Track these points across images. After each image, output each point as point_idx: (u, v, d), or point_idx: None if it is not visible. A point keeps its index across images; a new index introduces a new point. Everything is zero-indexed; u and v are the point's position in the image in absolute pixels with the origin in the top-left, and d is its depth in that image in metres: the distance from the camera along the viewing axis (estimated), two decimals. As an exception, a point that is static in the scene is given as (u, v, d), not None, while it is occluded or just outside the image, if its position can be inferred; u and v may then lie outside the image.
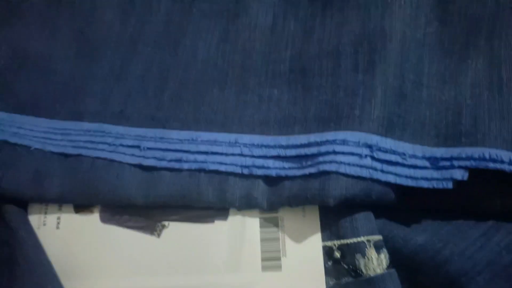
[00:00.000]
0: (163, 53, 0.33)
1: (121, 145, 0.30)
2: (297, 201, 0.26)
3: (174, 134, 0.30)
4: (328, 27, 0.30)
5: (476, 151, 0.24)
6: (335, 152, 0.25)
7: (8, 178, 0.30)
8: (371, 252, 0.25)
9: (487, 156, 0.24)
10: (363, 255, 0.25)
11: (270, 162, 0.28)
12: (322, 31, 0.30)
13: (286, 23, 0.32)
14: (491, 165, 0.24)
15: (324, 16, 0.30)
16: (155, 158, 0.29)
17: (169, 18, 0.35)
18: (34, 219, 0.31)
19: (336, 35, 0.29)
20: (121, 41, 0.35)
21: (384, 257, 0.25)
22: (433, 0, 0.28)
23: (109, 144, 0.30)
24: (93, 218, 0.30)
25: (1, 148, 0.32)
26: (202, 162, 0.29)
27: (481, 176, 0.24)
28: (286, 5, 0.32)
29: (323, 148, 0.26)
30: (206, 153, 0.29)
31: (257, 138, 0.28)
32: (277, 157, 0.28)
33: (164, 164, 0.29)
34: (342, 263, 0.26)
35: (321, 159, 0.26)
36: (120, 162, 0.30)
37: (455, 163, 0.24)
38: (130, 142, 0.30)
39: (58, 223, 0.30)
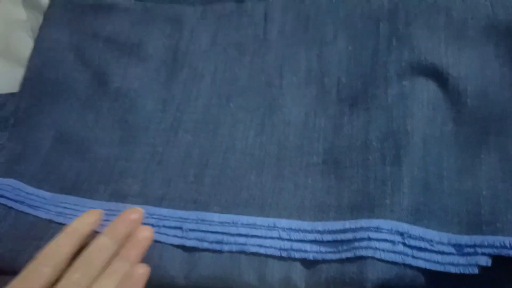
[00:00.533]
0: (203, 140, 0.37)
1: (164, 226, 0.33)
2: (335, 284, 0.29)
3: (215, 217, 0.32)
4: (355, 124, 0.34)
5: (497, 240, 0.27)
6: (369, 239, 0.28)
7: None
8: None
9: (507, 244, 0.26)
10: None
11: (307, 246, 0.30)
12: (350, 128, 0.34)
13: (317, 119, 0.35)
14: (512, 252, 0.26)
15: (351, 114, 0.34)
16: (196, 239, 0.32)
17: (207, 110, 0.38)
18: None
19: (363, 132, 0.33)
20: (162, 128, 0.38)
21: None
22: (447, 104, 0.32)
23: (152, 225, 0.33)
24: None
25: (48, 227, 0.34)
26: (243, 244, 0.31)
27: (504, 260, 0.27)
28: (316, 104, 0.36)
29: (358, 234, 0.29)
30: (246, 235, 0.31)
31: (294, 223, 0.31)
32: (314, 242, 0.30)
33: (205, 245, 0.31)
34: None
35: (356, 244, 0.28)
36: (163, 243, 0.32)
37: (479, 250, 0.27)
38: (173, 224, 0.33)
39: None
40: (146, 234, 0.31)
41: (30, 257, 0.32)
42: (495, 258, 0.27)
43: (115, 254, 0.29)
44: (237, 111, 0.38)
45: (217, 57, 0.41)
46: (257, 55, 0.40)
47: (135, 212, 0.32)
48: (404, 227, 0.28)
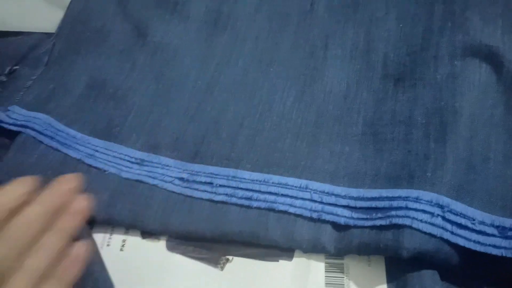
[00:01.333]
0: (239, 101, 0.36)
1: (194, 181, 0.32)
2: (367, 250, 0.28)
3: (246, 174, 0.32)
4: (400, 100, 0.33)
5: (543, 226, 0.26)
6: (407, 208, 0.27)
7: None
8: (437, 311, 0.26)
9: (554, 231, 0.25)
10: (429, 312, 0.26)
11: (339, 211, 0.29)
12: (394, 103, 0.33)
13: (358, 92, 0.35)
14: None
15: (396, 90, 0.34)
16: (226, 194, 0.31)
17: (246, 73, 0.38)
18: (99, 238, 0.32)
19: (408, 107, 0.32)
20: (199, 85, 0.38)
21: (449, 317, 0.26)
22: (500, 87, 0.31)
23: (184, 179, 0.32)
24: (159, 245, 0.31)
25: (77, 167, 0.34)
26: (272, 202, 0.30)
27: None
28: (359, 77, 0.36)
29: (395, 203, 0.28)
30: (276, 194, 0.30)
31: (327, 187, 0.30)
32: (347, 207, 0.29)
33: (234, 200, 0.31)
34: (406, 317, 0.27)
35: (393, 213, 0.27)
36: (192, 197, 0.31)
37: (523, 234, 0.26)
38: (203, 179, 0.32)
39: (123, 245, 0.31)
40: (82, 205, 0.27)
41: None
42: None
43: (48, 226, 0.25)
44: (277, 77, 0.37)
45: (260, 23, 0.41)
46: (302, 26, 0.40)
47: (70, 180, 0.27)
48: (445, 200, 0.27)
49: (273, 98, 0.36)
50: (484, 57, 0.32)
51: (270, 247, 0.30)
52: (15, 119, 0.35)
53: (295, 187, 0.30)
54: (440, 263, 0.27)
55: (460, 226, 0.27)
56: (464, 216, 0.27)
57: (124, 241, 0.31)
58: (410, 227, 0.26)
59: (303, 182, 0.31)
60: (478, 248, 0.26)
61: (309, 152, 0.33)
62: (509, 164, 0.29)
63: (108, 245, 0.31)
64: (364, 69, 0.36)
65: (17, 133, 0.35)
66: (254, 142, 0.34)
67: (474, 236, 0.26)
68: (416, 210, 0.27)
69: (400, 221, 0.27)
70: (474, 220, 0.27)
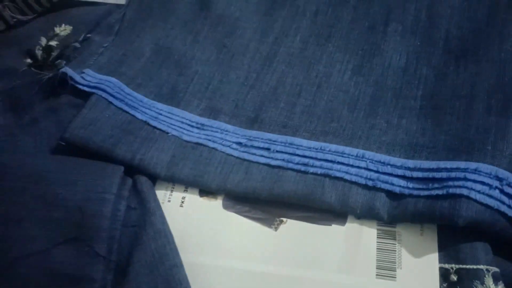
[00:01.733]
0: (297, 72, 0.37)
1: (252, 146, 0.33)
2: (422, 218, 0.28)
3: (304, 142, 0.33)
4: (461, 76, 0.33)
5: None
6: (466, 179, 0.27)
7: (148, 156, 0.34)
8: (490, 281, 0.26)
9: None
10: (482, 283, 0.26)
11: (395, 180, 0.30)
12: (455, 78, 0.33)
13: (418, 67, 0.35)
14: None
15: (457, 66, 0.33)
16: (283, 160, 0.32)
17: (304, 46, 0.39)
18: (160, 194, 0.34)
19: (469, 83, 0.32)
20: (258, 56, 0.39)
21: (501, 289, 0.26)
22: None
23: (242, 144, 0.33)
24: (216, 204, 0.33)
25: (143, 128, 0.36)
26: (328, 169, 0.31)
27: None
28: (420, 52, 0.36)
29: (453, 174, 0.28)
30: (332, 161, 0.31)
31: (384, 157, 0.31)
32: (402, 177, 0.30)
33: (290, 165, 0.32)
34: (458, 286, 0.27)
35: (450, 183, 0.28)
36: (250, 161, 0.33)
37: None
38: (262, 145, 0.33)
39: (183, 202, 0.33)
40: None
41: (126, 148, 0.34)
42: None
43: None
44: (335, 51, 0.38)
45: None
46: (362, 1, 0.40)
47: None
48: (505, 173, 0.27)
49: (331, 71, 0.37)
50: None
51: (324, 211, 0.31)
52: (88, 81, 0.38)
53: (352, 155, 0.31)
54: (495, 235, 0.27)
55: None
56: (523, 190, 0.27)
57: (183, 198, 0.33)
58: (467, 197, 0.27)
59: (360, 151, 0.31)
60: None
61: (366, 123, 0.33)
62: None
63: (169, 201, 0.33)
64: (425, 45, 0.36)
65: (90, 94, 0.37)
66: (311, 112, 0.35)
67: None
68: (474, 181, 0.27)
69: (457, 191, 0.27)
70: None
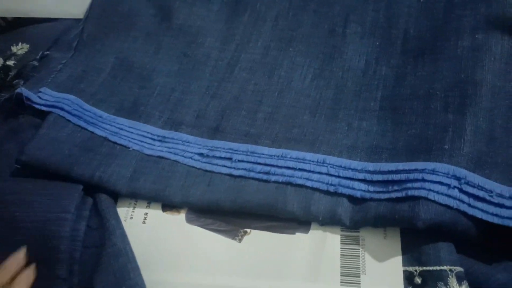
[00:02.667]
0: (258, 79, 0.37)
1: (214, 156, 0.33)
2: (383, 222, 0.28)
3: (265, 150, 0.32)
4: (419, 75, 0.33)
5: None
6: (424, 180, 0.27)
7: (108, 173, 0.33)
8: (453, 282, 0.26)
9: None
10: (446, 284, 0.26)
11: (356, 184, 0.29)
12: (413, 78, 0.33)
13: (378, 68, 0.35)
14: None
15: (416, 65, 0.33)
16: (244, 169, 0.32)
17: (266, 52, 0.39)
18: (122, 212, 0.33)
19: (427, 82, 0.32)
20: (219, 65, 0.39)
21: (465, 289, 0.26)
22: None
23: (204, 155, 0.33)
24: (180, 218, 0.32)
25: (102, 144, 0.35)
26: (290, 176, 0.31)
27: None
28: (378, 53, 0.35)
29: (411, 176, 0.28)
30: (293, 168, 0.31)
31: (344, 161, 0.30)
32: (363, 181, 0.29)
33: (252, 175, 0.31)
34: (421, 289, 0.26)
35: (409, 185, 0.27)
36: (212, 172, 0.32)
37: (543, 207, 0.25)
38: (223, 154, 0.33)
39: (145, 218, 0.33)
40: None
41: (85, 166, 0.33)
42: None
43: None
44: (296, 55, 0.38)
45: (280, 3, 0.41)
46: (322, 4, 0.40)
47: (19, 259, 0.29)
48: (462, 172, 0.27)
49: (292, 76, 0.36)
50: (507, 28, 0.31)
51: (287, 220, 0.30)
52: (46, 100, 0.37)
53: (313, 161, 0.31)
54: (458, 235, 0.27)
55: (477, 198, 0.26)
56: (482, 188, 0.26)
57: (146, 214, 0.33)
58: (426, 198, 0.26)
59: (320, 157, 0.31)
60: (496, 220, 0.26)
61: (327, 127, 0.33)
62: (532, 136, 0.28)
63: (131, 218, 0.32)
64: (384, 45, 0.36)
65: (48, 113, 0.37)
66: (273, 118, 0.34)
67: (492, 209, 0.26)
68: (432, 182, 0.27)
69: (416, 192, 0.27)
70: (492, 192, 0.26)
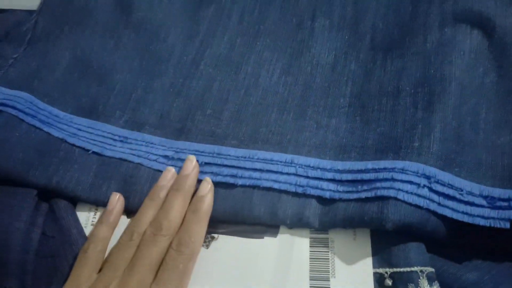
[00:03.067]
0: (224, 75, 0.35)
1: (180, 158, 0.31)
2: (352, 223, 0.27)
3: (232, 151, 0.31)
4: (388, 70, 0.32)
5: (533, 195, 0.25)
6: (393, 179, 0.26)
7: (66, 179, 0.31)
8: (424, 283, 0.25)
9: (544, 199, 0.25)
10: (416, 285, 0.25)
11: (324, 184, 0.28)
12: (382, 74, 0.32)
13: (346, 63, 0.34)
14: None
15: (384, 60, 0.33)
16: (211, 173, 0.30)
17: (232, 47, 0.37)
18: (83, 217, 0.31)
19: (396, 78, 0.31)
20: (183, 61, 0.37)
21: (436, 290, 0.25)
22: (491, 54, 0.30)
23: (169, 157, 0.31)
24: (143, 222, 0.30)
25: (60, 146, 0.33)
26: (257, 179, 0.29)
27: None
28: (347, 48, 0.34)
29: (380, 175, 0.27)
30: (261, 170, 0.30)
31: (313, 161, 0.29)
32: (332, 180, 0.28)
33: (219, 179, 0.30)
34: (392, 291, 0.26)
35: (378, 184, 0.27)
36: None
37: (512, 204, 0.25)
38: None
39: (107, 224, 0.31)
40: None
41: (41, 171, 0.31)
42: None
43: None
44: (263, 51, 0.36)
45: None
46: None
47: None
48: (432, 171, 0.26)
49: (259, 72, 0.35)
50: (475, 23, 0.31)
51: (255, 224, 0.29)
52: (-4, 98, 0.34)
53: (281, 162, 0.30)
54: (427, 235, 0.26)
55: (447, 197, 0.26)
56: (451, 186, 0.26)
57: (107, 219, 0.31)
58: (395, 198, 0.26)
59: (288, 157, 0.30)
60: (466, 219, 0.25)
61: (295, 125, 0.32)
62: (499, 133, 0.28)
63: (92, 224, 0.31)
64: (353, 40, 0.35)
65: (-1, 112, 0.34)
66: (239, 118, 0.33)
67: (462, 207, 0.26)
68: (401, 181, 0.26)
69: (385, 192, 0.26)
70: (462, 190, 0.26)
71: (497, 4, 0.31)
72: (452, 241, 0.27)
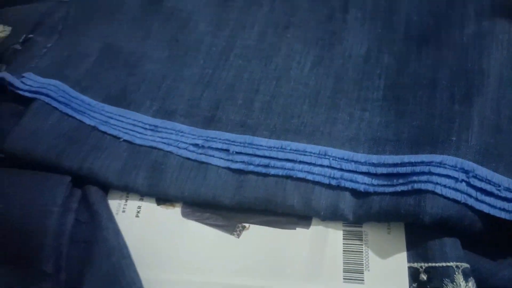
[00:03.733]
0: (254, 67, 0.35)
1: (210, 147, 0.31)
2: (387, 217, 0.27)
3: (263, 141, 0.31)
4: (423, 63, 0.32)
5: None
6: (431, 173, 0.26)
7: (98, 165, 0.31)
8: (460, 279, 0.25)
9: None
10: (452, 280, 0.25)
11: (359, 177, 0.28)
12: (417, 66, 0.32)
13: (380, 55, 0.33)
14: None
15: (419, 53, 0.32)
16: (242, 162, 0.30)
17: (262, 38, 0.37)
18: (114, 205, 0.31)
19: (432, 70, 0.31)
20: (213, 51, 0.37)
21: (472, 286, 0.25)
22: None
23: (199, 146, 0.31)
24: (174, 212, 0.31)
25: (91, 134, 0.33)
26: (290, 169, 0.29)
27: None
28: (380, 40, 0.34)
29: (417, 168, 0.27)
30: (293, 161, 0.30)
31: (347, 153, 0.29)
32: (367, 174, 0.28)
33: (251, 168, 0.30)
34: (428, 286, 0.26)
35: (415, 178, 0.26)
36: (209, 164, 0.31)
37: (551, 201, 0.25)
38: (220, 146, 0.31)
39: (138, 211, 0.31)
40: None
41: (72, 157, 0.32)
42: None
43: None
44: (294, 42, 0.36)
45: None
46: None
47: None
48: (470, 165, 0.26)
49: (290, 64, 0.35)
50: (514, 15, 0.30)
51: (287, 214, 0.29)
52: (30, 85, 0.35)
53: (314, 153, 0.30)
54: (463, 230, 0.26)
55: (485, 192, 0.26)
56: (489, 182, 0.26)
57: (139, 207, 0.31)
58: (433, 192, 0.25)
59: (322, 148, 0.30)
60: (503, 215, 0.25)
61: (328, 117, 0.32)
62: (539, 127, 0.27)
63: (123, 211, 0.31)
64: (386, 31, 0.35)
65: (32, 100, 0.34)
66: (270, 108, 0.33)
67: (500, 203, 0.25)
68: (439, 175, 0.26)
69: (422, 186, 0.26)
70: (500, 186, 0.26)
71: (538, -4, 0.30)
72: (488, 237, 0.26)
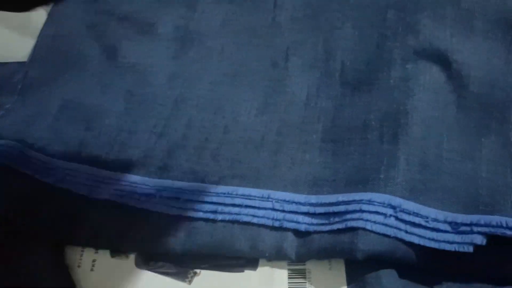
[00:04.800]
0: (205, 115, 0.37)
1: (161, 196, 0.33)
2: (325, 254, 0.28)
3: (212, 188, 0.33)
4: (356, 105, 0.34)
5: (493, 219, 0.26)
6: (361, 211, 0.28)
7: (48, 220, 0.32)
8: (396, 309, 0.26)
9: (503, 223, 0.26)
10: (390, 311, 0.27)
11: (300, 218, 0.30)
12: (351, 109, 0.34)
13: (318, 100, 0.36)
14: (509, 232, 0.26)
15: (353, 96, 0.35)
16: (192, 209, 0.32)
17: (212, 87, 0.39)
18: (71, 260, 0.32)
19: (364, 112, 0.33)
20: (167, 102, 0.39)
21: (409, 314, 0.27)
22: (450, 87, 0.33)
23: (151, 195, 0.33)
24: (128, 262, 0.32)
25: (49, 193, 0.34)
26: (236, 214, 0.31)
27: (501, 242, 0.26)
28: (319, 86, 0.37)
29: (350, 207, 0.28)
30: (240, 206, 0.31)
31: (288, 195, 0.31)
32: (307, 213, 0.30)
33: (200, 215, 0.31)
34: (367, 318, 0.27)
35: (348, 216, 0.28)
36: (161, 213, 0.32)
37: (475, 228, 0.27)
38: (171, 194, 0.33)
39: (93, 265, 0.32)
40: None
41: (30, 221, 0.33)
42: (493, 240, 0.26)
43: None
44: (242, 90, 0.38)
45: (226, 38, 0.42)
46: (265, 38, 0.41)
47: None
48: (397, 201, 0.28)
49: (238, 111, 0.37)
50: (435, 59, 0.33)
51: (236, 258, 0.30)
52: (-13, 148, 0.36)
53: (257, 197, 0.31)
54: (398, 262, 0.28)
55: (414, 224, 0.27)
56: (417, 214, 0.28)
57: (94, 260, 0.32)
58: (364, 228, 0.27)
59: (265, 192, 0.31)
60: (433, 244, 0.27)
61: (271, 161, 0.33)
62: (462, 161, 0.30)
63: (79, 266, 0.32)
64: (324, 77, 0.37)
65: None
66: (219, 156, 0.35)
67: (429, 234, 0.27)
68: (369, 212, 0.28)
69: (354, 223, 0.27)
70: (427, 217, 0.27)
71: (453, 40, 0.33)
72: (423, 265, 0.28)
